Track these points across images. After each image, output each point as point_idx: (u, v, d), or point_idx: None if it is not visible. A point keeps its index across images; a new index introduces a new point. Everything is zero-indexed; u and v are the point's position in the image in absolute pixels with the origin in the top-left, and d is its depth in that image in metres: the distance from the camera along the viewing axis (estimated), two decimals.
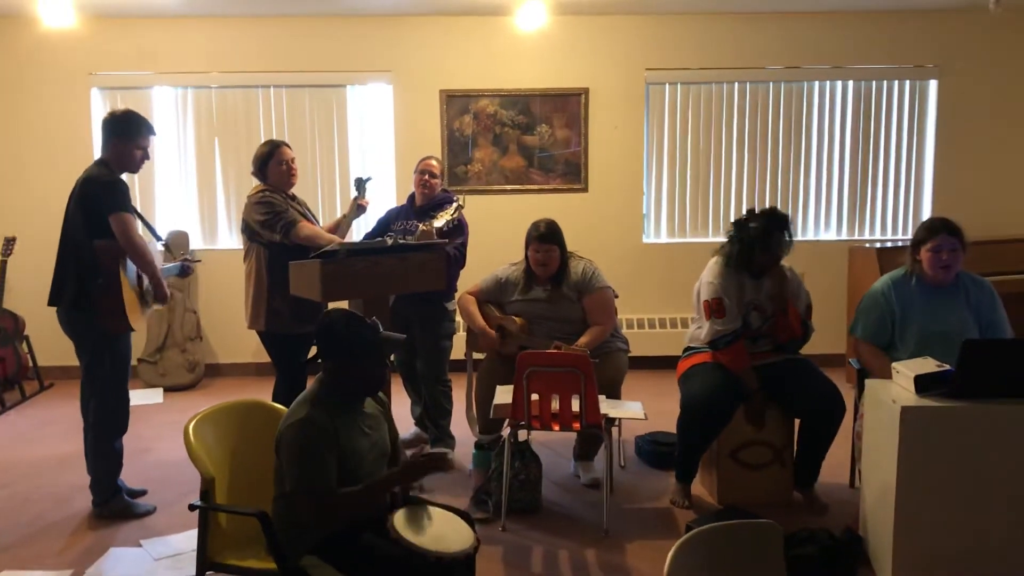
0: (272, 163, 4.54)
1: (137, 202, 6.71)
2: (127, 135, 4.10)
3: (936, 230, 3.82)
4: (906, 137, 6.82)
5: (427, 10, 6.23)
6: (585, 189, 6.75)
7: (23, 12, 5.24)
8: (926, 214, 6.87)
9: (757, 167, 6.81)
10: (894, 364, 3.55)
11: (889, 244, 6.57)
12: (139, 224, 4.23)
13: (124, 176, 4.14)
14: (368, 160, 6.77)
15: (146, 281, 4.11)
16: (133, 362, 6.38)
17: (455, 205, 4.72)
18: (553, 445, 5.04)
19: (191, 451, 2.66)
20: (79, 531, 4.05)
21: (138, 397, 6.10)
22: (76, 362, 4.13)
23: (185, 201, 6.79)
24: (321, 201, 6.70)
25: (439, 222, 4.62)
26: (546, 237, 4.57)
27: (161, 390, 6.38)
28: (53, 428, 5.54)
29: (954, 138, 6.77)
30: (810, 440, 4.12)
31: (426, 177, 4.89)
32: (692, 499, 4.26)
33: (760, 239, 4.05)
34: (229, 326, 6.51)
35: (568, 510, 4.23)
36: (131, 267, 4.05)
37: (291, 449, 2.58)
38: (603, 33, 6.59)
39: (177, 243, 6.62)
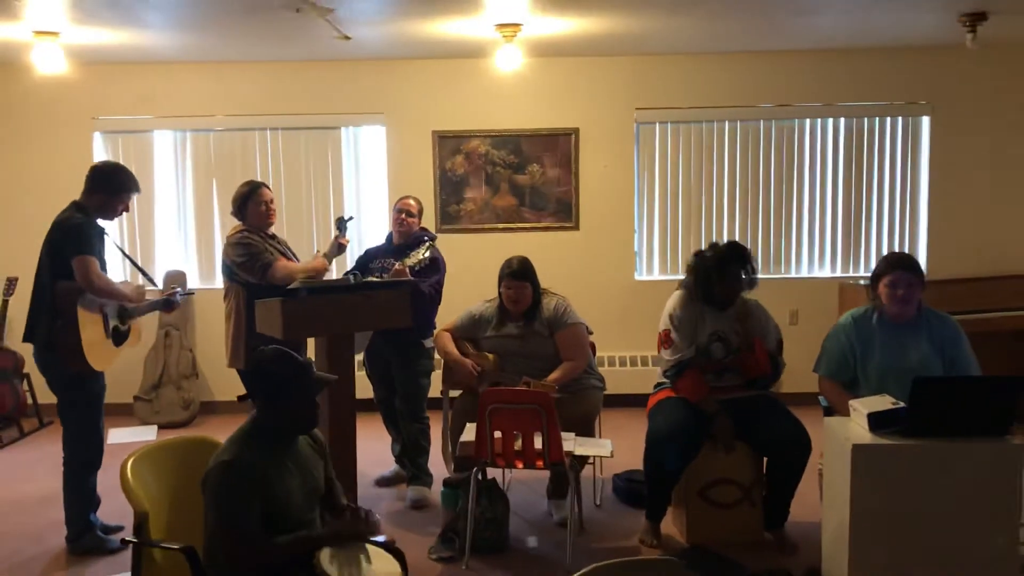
0: (251, 204, 4.65)
1: (136, 241, 6.87)
2: (115, 190, 4.23)
3: (892, 265, 3.81)
4: (899, 173, 6.79)
5: (419, 54, 6.35)
6: (576, 227, 6.78)
7: (26, 58, 5.44)
8: (921, 251, 6.82)
9: (749, 204, 6.81)
10: (851, 402, 3.53)
11: None
12: (130, 267, 4.36)
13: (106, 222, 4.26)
14: (362, 199, 6.87)
15: (113, 320, 4.19)
16: (128, 400, 6.59)
17: (426, 244, 4.78)
18: (531, 483, 5.03)
19: (125, 487, 2.71)
20: (51, 567, 4.11)
21: (131, 434, 6.19)
22: None
23: (183, 241, 6.92)
24: (316, 239, 6.80)
25: (411, 261, 4.69)
26: (517, 274, 4.61)
27: (155, 427, 6.46)
28: (44, 465, 5.61)
29: (948, 174, 6.73)
30: (777, 478, 4.09)
31: (403, 216, 4.96)
32: (661, 538, 4.22)
33: (716, 269, 4.08)
34: (224, 363, 6.57)
35: (535, 549, 4.22)
36: (94, 309, 4.11)
37: (213, 491, 2.61)
38: (593, 74, 6.67)
39: (175, 282, 6.74)
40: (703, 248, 4.26)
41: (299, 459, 2.84)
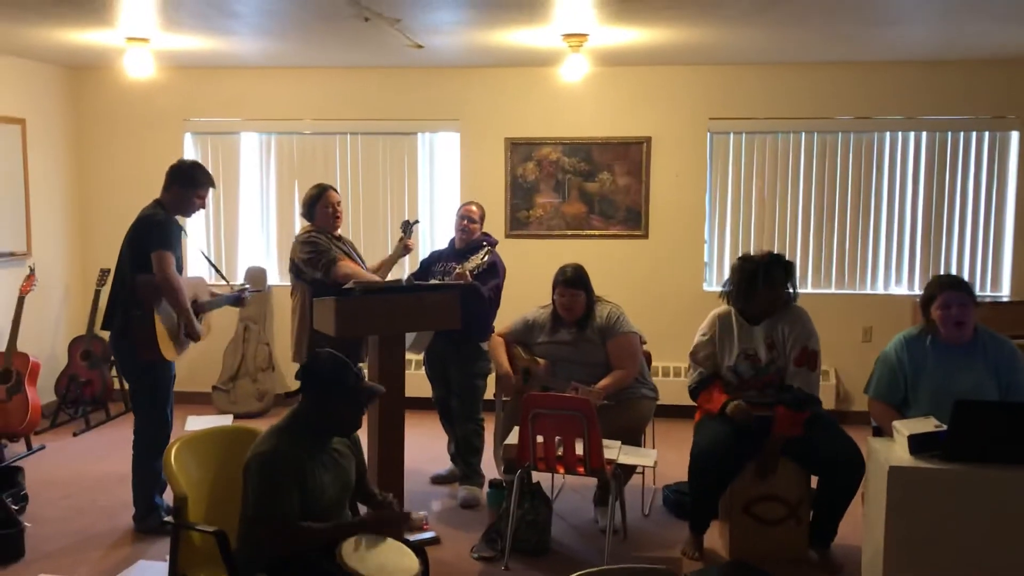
0: (319, 206, 4.84)
1: (222, 238, 7.19)
2: (191, 184, 4.47)
3: (943, 286, 3.71)
4: (984, 191, 6.56)
5: (492, 61, 6.47)
6: (646, 236, 6.78)
7: (121, 63, 5.79)
8: (1006, 271, 6.58)
9: (825, 218, 6.69)
10: (895, 423, 3.47)
11: None
12: (207, 264, 4.60)
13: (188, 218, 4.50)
14: (435, 204, 7.03)
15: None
16: (207, 389, 6.90)
17: (485, 249, 4.89)
18: (582, 490, 5.06)
19: (168, 472, 2.88)
20: (118, 543, 4.37)
21: (208, 422, 6.48)
22: None
23: (265, 239, 7.20)
24: (390, 242, 6.97)
25: (470, 265, 4.80)
26: (571, 281, 4.66)
27: (231, 417, 6.74)
28: (126, 447, 5.91)
29: None
30: (826, 497, 4.03)
31: (465, 222, 5.07)
32: (704, 551, 4.21)
33: (763, 272, 4.02)
34: None
35: (576, 554, 4.27)
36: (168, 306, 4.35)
37: (255, 479, 2.76)
38: (665, 82, 6.66)
39: (255, 278, 7.04)
40: (750, 252, 4.21)
41: (333, 455, 2.96)
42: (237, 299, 4.86)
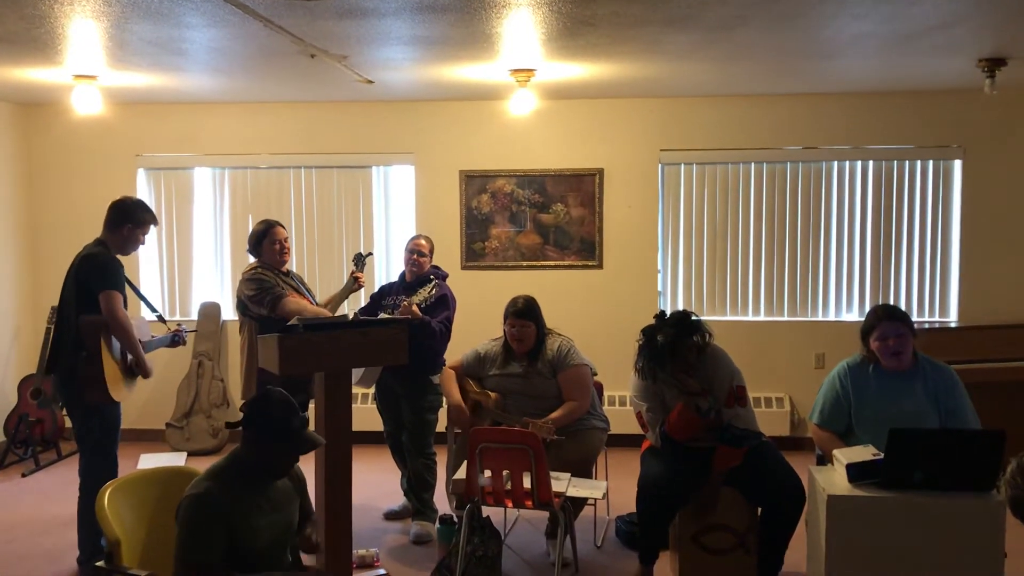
0: (266, 242, 4.83)
1: (176, 273, 7.14)
2: (136, 222, 4.43)
3: (880, 317, 3.78)
4: (930, 218, 6.68)
5: (445, 95, 6.51)
6: (600, 266, 6.83)
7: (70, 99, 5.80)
8: (953, 297, 6.69)
9: (776, 246, 6.78)
10: (835, 451, 3.51)
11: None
12: (140, 303, 4.57)
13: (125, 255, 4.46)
14: (391, 237, 7.03)
15: (130, 357, 4.37)
16: (160, 426, 6.81)
17: (433, 283, 4.90)
18: (536, 522, 5.05)
19: (100, 515, 2.84)
20: None
21: (161, 460, 6.38)
22: None
23: (219, 274, 7.16)
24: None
25: (417, 298, 4.81)
26: (522, 313, 4.68)
27: (185, 454, 6.66)
28: (75, 487, 5.84)
29: (981, 219, 6.60)
30: (770, 529, 4.04)
31: (414, 256, 5.07)
32: None
33: (669, 348, 3.94)
34: None
35: None
36: (116, 343, 4.31)
37: (182, 523, 2.73)
38: (617, 115, 6.74)
39: (208, 314, 6.99)
40: (652, 324, 4.08)
41: (274, 495, 2.94)
42: (172, 340, 4.79)
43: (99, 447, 4.38)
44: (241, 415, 2.96)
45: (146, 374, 4.40)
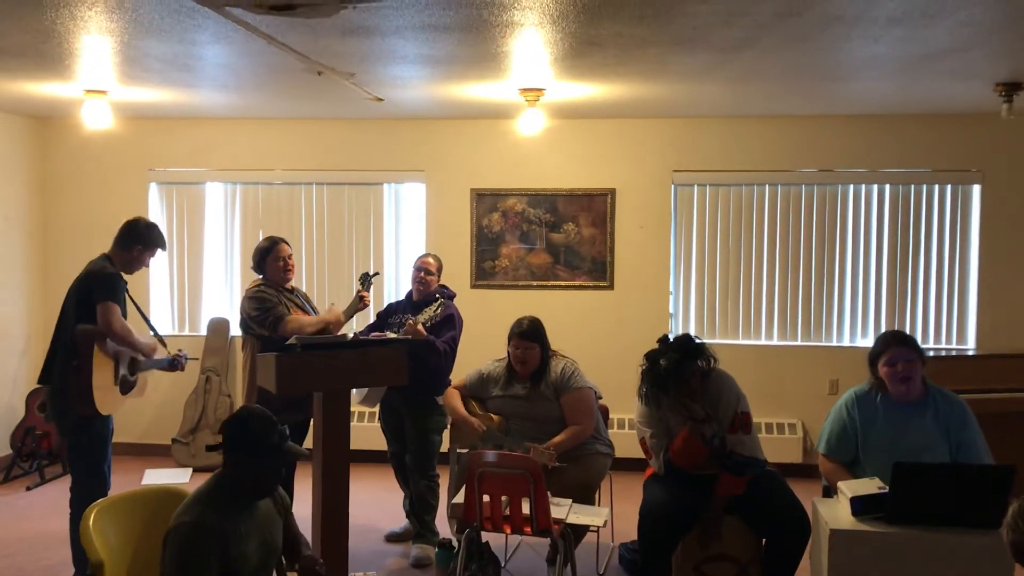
0: (269, 259, 4.80)
1: (186, 288, 7.14)
2: (146, 244, 4.45)
3: (888, 342, 3.69)
4: (948, 243, 6.57)
5: (456, 113, 6.49)
6: (611, 286, 6.76)
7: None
8: (971, 323, 6.56)
9: (789, 269, 6.68)
10: (839, 483, 3.42)
11: (931, 353, 6.26)
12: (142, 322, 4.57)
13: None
14: (401, 254, 7.00)
15: (123, 369, 4.35)
16: (166, 441, 6.79)
17: (438, 302, 4.86)
18: (539, 548, 4.96)
19: (84, 536, 2.80)
20: None
21: (166, 476, 6.37)
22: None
23: (229, 290, 7.15)
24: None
25: (423, 317, 4.76)
26: (526, 334, 4.62)
27: (190, 470, 6.62)
28: None
29: (1000, 245, 6.48)
30: (773, 560, 3.94)
31: (421, 274, 5.03)
32: None
33: (672, 375, 3.87)
34: None
35: None
36: (111, 353, 4.28)
37: (173, 552, 2.67)
38: (630, 135, 6.69)
39: (217, 330, 6.98)
40: (654, 350, 4.01)
41: (258, 518, 2.88)
42: (171, 364, 4.75)
43: (89, 463, 4.35)
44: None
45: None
